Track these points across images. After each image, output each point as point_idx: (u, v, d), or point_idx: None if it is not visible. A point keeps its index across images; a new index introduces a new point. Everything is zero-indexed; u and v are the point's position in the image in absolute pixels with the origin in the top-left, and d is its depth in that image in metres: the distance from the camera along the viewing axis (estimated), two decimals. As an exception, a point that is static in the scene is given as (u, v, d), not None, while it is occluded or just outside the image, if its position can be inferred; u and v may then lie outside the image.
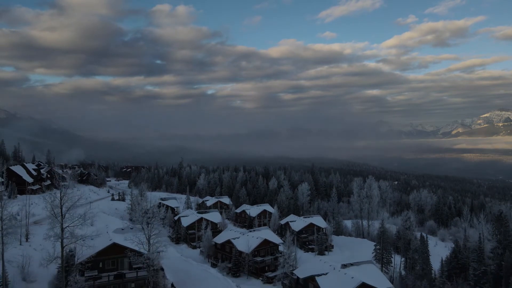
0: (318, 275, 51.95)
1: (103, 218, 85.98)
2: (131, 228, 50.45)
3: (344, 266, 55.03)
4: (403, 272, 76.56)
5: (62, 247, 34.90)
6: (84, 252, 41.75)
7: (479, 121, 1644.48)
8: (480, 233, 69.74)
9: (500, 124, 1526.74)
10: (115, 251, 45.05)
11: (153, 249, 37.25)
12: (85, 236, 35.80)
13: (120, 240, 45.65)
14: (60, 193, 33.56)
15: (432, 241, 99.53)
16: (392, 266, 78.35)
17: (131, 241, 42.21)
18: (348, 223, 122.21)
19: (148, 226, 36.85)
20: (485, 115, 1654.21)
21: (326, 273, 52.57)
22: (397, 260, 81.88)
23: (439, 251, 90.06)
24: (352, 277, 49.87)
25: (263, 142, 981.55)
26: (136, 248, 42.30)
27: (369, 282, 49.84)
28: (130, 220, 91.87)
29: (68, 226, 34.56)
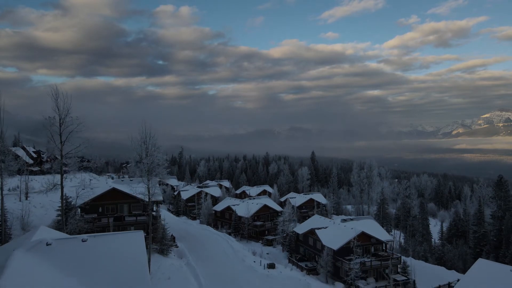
0: (318, 228, 51.95)
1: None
2: (131, 180, 50.51)
3: (344, 220, 55.04)
4: (402, 242, 76.64)
5: (62, 174, 34.81)
6: (84, 196, 41.87)
7: (479, 122, 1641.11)
8: (479, 197, 69.69)
9: (501, 125, 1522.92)
10: (114, 197, 45.18)
11: (153, 183, 37.16)
12: (85, 161, 35.65)
13: (119, 186, 45.76)
14: (59, 117, 33.32)
15: (432, 222, 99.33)
16: (391, 235, 78.22)
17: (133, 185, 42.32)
18: (348, 207, 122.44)
19: (147, 156, 36.70)
20: (486, 115, 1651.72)
21: (326, 227, 52.59)
22: (397, 234, 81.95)
23: (439, 230, 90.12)
24: (352, 228, 49.86)
25: (264, 142, 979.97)
26: (135, 195, 42.21)
27: (369, 232, 49.87)
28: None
29: (68, 153, 34.44)
